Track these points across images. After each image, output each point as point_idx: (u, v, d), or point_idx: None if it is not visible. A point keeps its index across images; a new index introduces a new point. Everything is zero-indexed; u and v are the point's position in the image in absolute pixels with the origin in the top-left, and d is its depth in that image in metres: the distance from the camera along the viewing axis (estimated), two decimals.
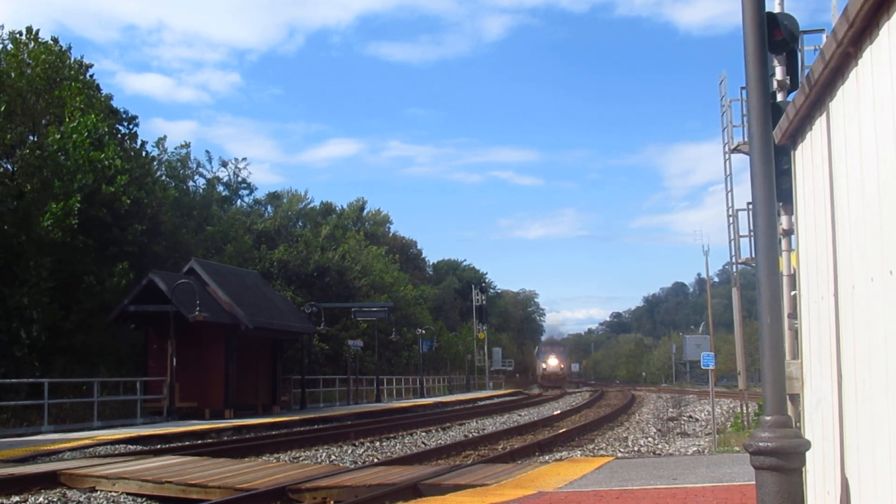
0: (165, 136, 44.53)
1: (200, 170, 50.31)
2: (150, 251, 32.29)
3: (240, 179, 52.97)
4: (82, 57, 35.40)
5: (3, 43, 31.75)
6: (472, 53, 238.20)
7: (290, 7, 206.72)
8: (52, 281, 27.00)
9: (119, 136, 34.18)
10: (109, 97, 37.15)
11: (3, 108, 27.55)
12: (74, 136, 28.93)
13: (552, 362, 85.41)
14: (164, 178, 41.59)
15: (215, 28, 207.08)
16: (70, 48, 34.45)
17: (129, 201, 30.32)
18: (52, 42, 32.78)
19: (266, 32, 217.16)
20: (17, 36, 31.79)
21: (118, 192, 30.05)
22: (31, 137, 29.55)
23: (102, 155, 29.85)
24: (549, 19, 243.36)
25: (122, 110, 37.60)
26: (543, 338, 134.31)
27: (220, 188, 50.80)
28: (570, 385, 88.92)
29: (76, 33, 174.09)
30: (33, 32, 32.22)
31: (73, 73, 32.72)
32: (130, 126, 37.70)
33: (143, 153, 37.39)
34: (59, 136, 29.01)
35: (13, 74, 29.22)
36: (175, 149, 44.93)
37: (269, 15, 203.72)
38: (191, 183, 45.28)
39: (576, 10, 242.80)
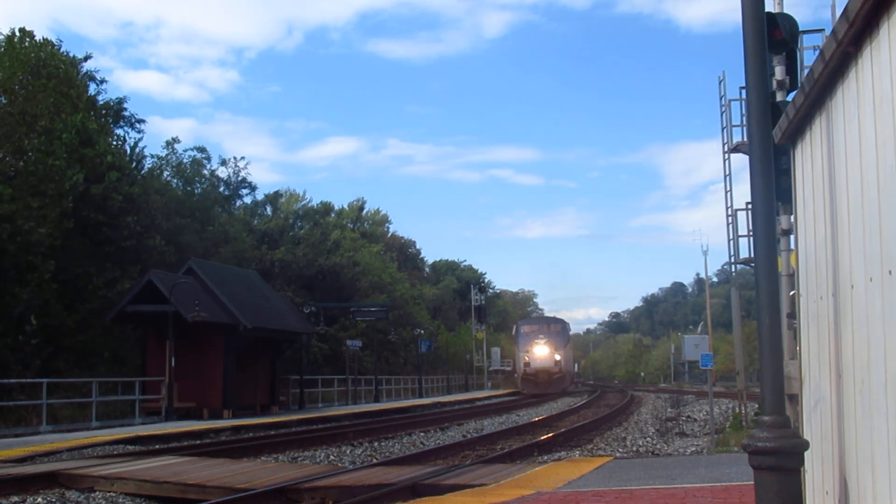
0: (177, 138, 44.52)
1: (202, 170, 50.40)
2: (147, 246, 32.27)
3: (240, 179, 53.00)
4: (69, 52, 35.45)
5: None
6: (471, 50, 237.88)
7: (288, 3, 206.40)
8: (54, 282, 27.01)
9: (107, 128, 33.99)
10: (120, 102, 37.24)
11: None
12: (64, 135, 28.89)
13: (540, 352, 54.60)
14: (169, 177, 41.66)
15: (213, 24, 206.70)
16: (61, 44, 34.54)
17: (120, 198, 30.26)
18: (43, 40, 32.81)
19: (264, 29, 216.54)
20: (12, 35, 31.82)
21: (109, 188, 29.98)
22: (35, 139, 29.55)
23: (93, 152, 29.80)
24: (549, 15, 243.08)
25: (115, 102, 37.59)
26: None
27: (221, 187, 50.76)
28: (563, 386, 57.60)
29: (73, 30, 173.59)
30: (27, 33, 32.25)
31: (61, 70, 32.65)
32: (122, 122, 37.78)
33: (133, 145, 37.52)
34: (44, 138, 28.97)
35: (7, 75, 29.29)
36: (185, 150, 45.11)
37: (268, 11, 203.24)
38: (197, 185, 45.23)
39: (577, 7, 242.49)
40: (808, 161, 5.40)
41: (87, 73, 36.52)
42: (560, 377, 55.04)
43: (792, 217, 6.92)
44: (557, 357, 54.82)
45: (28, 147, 28.83)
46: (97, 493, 10.73)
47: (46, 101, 30.10)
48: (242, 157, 68.92)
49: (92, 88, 36.76)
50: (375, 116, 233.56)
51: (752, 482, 4.40)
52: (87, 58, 36.79)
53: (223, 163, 51.46)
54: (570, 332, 66.00)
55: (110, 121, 36.37)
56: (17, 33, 32.03)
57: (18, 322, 25.88)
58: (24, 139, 29.00)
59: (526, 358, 55.43)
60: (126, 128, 39.05)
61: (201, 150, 46.09)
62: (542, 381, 53.86)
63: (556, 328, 58.07)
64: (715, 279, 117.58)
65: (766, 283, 4.49)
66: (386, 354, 55.13)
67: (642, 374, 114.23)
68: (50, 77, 31.19)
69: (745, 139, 8.12)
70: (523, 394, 53.00)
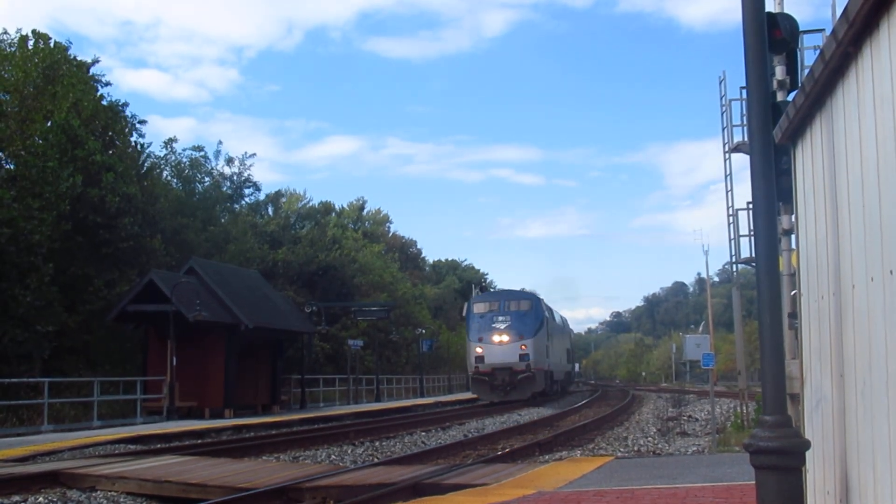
0: (175, 137, 44.47)
1: (207, 166, 50.40)
2: (147, 247, 32.23)
3: (244, 178, 52.97)
4: (76, 56, 35.44)
5: (9, 47, 31.82)
6: (472, 49, 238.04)
7: (288, 2, 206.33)
8: (54, 284, 27.00)
9: (102, 128, 33.78)
10: (121, 102, 37.15)
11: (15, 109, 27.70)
12: (50, 136, 28.86)
13: (498, 339, 36.86)
14: (169, 177, 41.59)
15: (213, 23, 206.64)
16: (70, 45, 34.52)
17: (117, 199, 30.18)
18: (55, 44, 32.78)
19: (264, 28, 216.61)
20: (25, 38, 31.88)
21: (105, 189, 29.91)
22: (41, 139, 29.51)
23: (83, 152, 29.74)
24: (550, 14, 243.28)
25: (118, 104, 37.50)
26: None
27: (225, 187, 50.69)
28: (529, 388, 37.10)
29: (72, 29, 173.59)
30: (42, 35, 32.28)
31: (71, 70, 32.63)
32: (123, 122, 37.72)
33: (135, 145, 37.45)
34: (38, 139, 28.97)
35: (15, 76, 29.31)
36: (184, 149, 45.03)
37: (268, 10, 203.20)
38: (197, 184, 45.14)
39: (578, 5, 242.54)
40: (808, 161, 5.40)
41: (91, 75, 36.51)
42: (528, 378, 36.29)
43: (793, 217, 6.92)
44: (524, 347, 36.57)
45: (29, 145, 28.81)
46: (98, 492, 10.74)
47: (53, 103, 30.11)
48: (253, 154, 70.54)
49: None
50: (375, 116, 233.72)
51: (754, 482, 4.40)
52: (94, 61, 36.83)
53: (229, 161, 51.29)
54: (554, 316, 46.82)
55: (124, 124, 36.24)
56: (31, 36, 32.08)
57: (22, 323, 25.88)
58: (28, 139, 28.98)
59: (478, 350, 37.08)
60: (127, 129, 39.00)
61: (199, 149, 45.99)
62: (500, 382, 36.21)
63: (523, 306, 39.16)
64: (716, 279, 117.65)
65: (767, 282, 4.49)
66: (387, 354, 55.15)
67: (644, 373, 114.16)
68: (60, 79, 31.18)
69: (746, 139, 8.12)
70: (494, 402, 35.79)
